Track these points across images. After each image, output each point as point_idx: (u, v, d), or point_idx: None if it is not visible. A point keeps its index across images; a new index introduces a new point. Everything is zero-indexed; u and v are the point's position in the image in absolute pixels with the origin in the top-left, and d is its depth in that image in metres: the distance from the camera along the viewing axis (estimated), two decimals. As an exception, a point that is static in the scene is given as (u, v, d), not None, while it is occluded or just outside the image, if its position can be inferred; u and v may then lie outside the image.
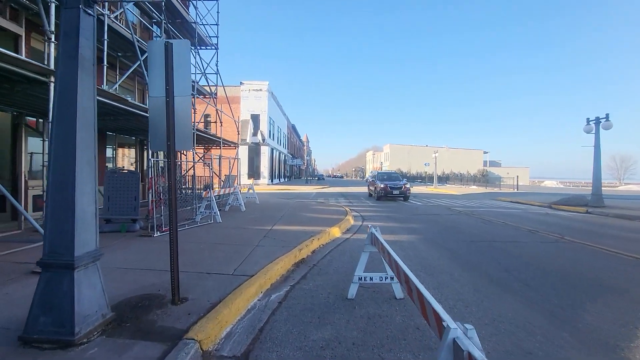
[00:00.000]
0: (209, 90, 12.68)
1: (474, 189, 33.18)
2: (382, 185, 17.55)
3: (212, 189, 8.17)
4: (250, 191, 13.39)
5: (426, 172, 76.87)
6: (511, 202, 18.84)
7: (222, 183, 11.45)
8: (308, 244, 6.06)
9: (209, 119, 37.37)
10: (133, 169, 10.99)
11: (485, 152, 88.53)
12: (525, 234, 8.13)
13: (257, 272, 4.30)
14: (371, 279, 3.69)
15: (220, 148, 11.06)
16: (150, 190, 6.18)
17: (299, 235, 6.81)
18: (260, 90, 35.44)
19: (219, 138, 11.00)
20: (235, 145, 13.34)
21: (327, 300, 3.72)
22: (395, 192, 17.31)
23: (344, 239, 7.22)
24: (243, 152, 35.31)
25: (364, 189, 29.49)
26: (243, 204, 10.76)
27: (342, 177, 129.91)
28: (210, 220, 8.06)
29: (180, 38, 11.77)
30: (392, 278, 3.68)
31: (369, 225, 3.89)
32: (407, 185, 17.76)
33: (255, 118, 35.42)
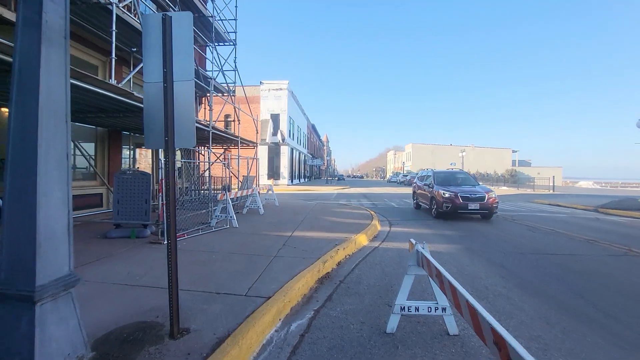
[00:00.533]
0: (227, 88, 12.23)
1: (504, 190, 31.27)
2: (446, 195, 10.50)
3: (229, 191, 7.62)
4: (270, 192, 12.84)
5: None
6: (550, 204, 17.28)
7: (240, 184, 10.94)
8: (333, 254, 5.34)
9: (229, 119, 37.53)
10: (147, 171, 10.70)
11: (514, 151, 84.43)
12: (582, 244, 7.02)
13: (275, 292, 3.62)
14: (417, 309, 2.91)
15: (238, 147, 10.56)
16: (161, 193, 5.67)
17: (321, 243, 6.10)
18: (280, 89, 35.11)
19: (237, 137, 10.50)
20: (254, 144, 12.83)
21: (360, 334, 2.97)
22: (473, 206, 10.30)
23: (372, 248, 6.44)
24: (262, 152, 35.13)
25: (387, 190, 28.35)
26: (262, 207, 10.20)
27: (362, 177, 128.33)
28: (226, 225, 7.51)
29: (198, 33, 11.40)
30: (444, 309, 2.89)
31: (413, 242, 3.11)
32: (493, 195, 10.56)
33: (275, 118, 35.14)
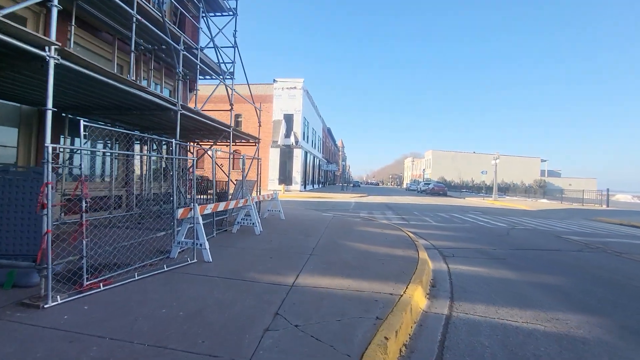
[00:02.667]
0: (225, 69, 9.58)
1: (545, 203, 27.43)
2: None
3: (197, 205, 4.85)
4: (274, 201, 10.06)
5: (473, 182, 69.72)
6: (623, 224, 13.77)
7: (233, 192, 8.21)
8: (374, 353, 2.44)
9: (239, 119, 35.28)
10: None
11: (543, 160, 79.10)
12: None
13: None
14: None
15: (229, 141, 7.84)
16: (45, 209, 2.95)
17: (347, 308, 3.24)
18: (294, 88, 32.63)
19: (229, 127, 7.78)
20: (255, 140, 10.11)
21: None
22: None
23: (439, 319, 3.50)
24: (274, 155, 32.62)
25: (411, 199, 24.87)
26: (259, 224, 7.41)
27: (377, 184, 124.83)
28: (193, 259, 4.73)
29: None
30: None
31: None
32: None
33: (288, 118, 32.64)
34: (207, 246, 4.80)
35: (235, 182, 8.50)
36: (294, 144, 32.07)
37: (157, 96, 5.06)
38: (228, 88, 8.28)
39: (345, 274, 4.51)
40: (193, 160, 4.72)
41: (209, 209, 5.42)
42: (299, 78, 32.96)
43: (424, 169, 73.22)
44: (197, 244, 4.77)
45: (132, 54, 5.24)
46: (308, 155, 37.37)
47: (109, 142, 7.66)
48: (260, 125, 10.45)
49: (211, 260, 4.78)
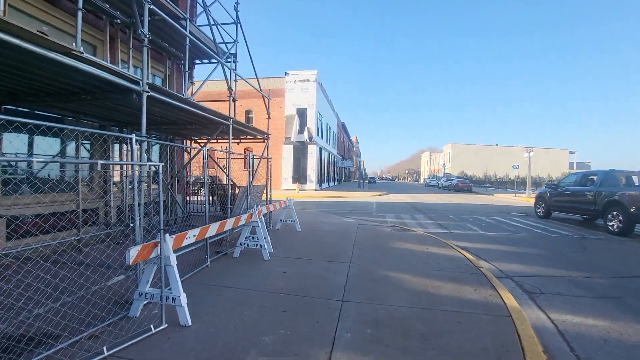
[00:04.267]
0: (224, 50, 7.83)
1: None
2: None
3: (169, 236, 3.10)
4: (289, 208, 8.29)
5: (496, 176, 66.10)
6: None
7: (237, 202, 6.46)
8: None
9: (250, 115, 33.73)
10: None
11: (571, 152, 74.38)
12: None
13: None
14: None
15: (229, 137, 6.09)
16: None
17: None
18: (308, 80, 30.76)
19: (229, 118, 6.01)
20: (264, 136, 8.34)
21: None
22: None
23: None
24: (287, 152, 30.94)
25: (437, 197, 22.24)
26: (268, 244, 5.67)
27: (392, 179, 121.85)
28: (161, 323, 3.00)
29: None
30: None
31: None
32: None
33: (301, 113, 30.86)
34: (184, 301, 3.05)
35: (240, 188, 6.77)
36: (308, 140, 30.29)
37: (109, 70, 3.32)
38: (226, 69, 6.51)
39: (410, 354, 2.67)
40: (158, 166, 3.00)
41: (192, 237, 3.67)
42: (312, 70, 31.05)
43: (444, 164, 70.12)
44: (167, 297, 3.03)
45: (79, 13, 3.53)
46: (323, 151, 35.54)
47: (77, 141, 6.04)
48: (269, 118, 8.66)
49: (190, 323, 3.04)
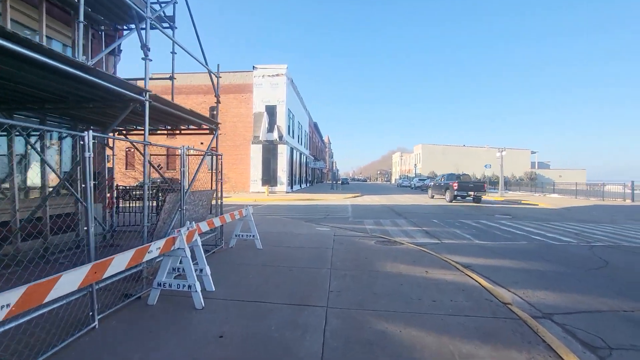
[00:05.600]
0: (158, 10, 5.81)
1: (559, 198, 24.78)
2: None
3: None
4: (248, 219, 6.42)
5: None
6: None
7: (164, 217, 4.51)
8: None
9: (214, 111, 31.06)
10: None
11: (532, 152, 77.99)
12: None
13: None
14: None
15: (145, 121, 4.10)
16: None
17: None
18: (277, 75, 28.81)
19: (140, 92, 3.99)
20: (211, 126, 6.38)
21: None
22: None
23: None
24: (256, 152, 28.73)
25: (412, 199, 20.77)
26: (206, 279, 3.82)
27: (365, 180, 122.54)
28: None
29: None
30: None
31: None
32: None
33: (271, 110, 28.82)
34: None
35: (169, 196, 4.81)
36: (278, 139, 28.31)
37: None
38: (154, 31, 4.53)
39: None
40: None
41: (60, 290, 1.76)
42: (282, 65, 29.13)
43: (415, 164, 70.73)
44: None
45: None
46: (294, 151, 33.68)
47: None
48: (218, 102, 6.70)
49: None
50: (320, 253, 6.17)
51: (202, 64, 6.26)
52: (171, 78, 6.37)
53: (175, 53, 6.17)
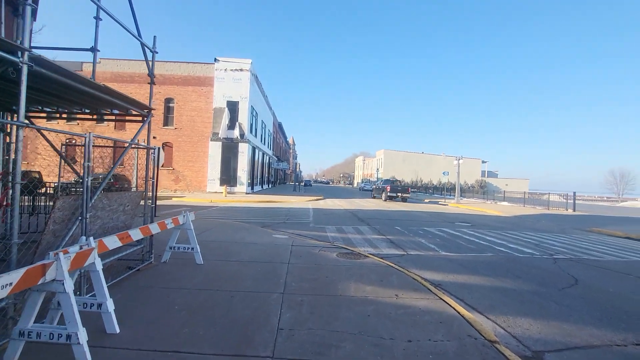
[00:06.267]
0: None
1: (508, 207, 26.09)
2: None
3: None
4: (180, 226, 5.27)
5: (422, 181, 70.43)
6: (629, 238, 11.62)
7: (49, 227, 3.26)
8: None
9: (171, 104, 28.60)
10: None
11: (483, 162, 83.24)
12: None
13: None
14: None
15: (21, 94, 2.91)
16: None
17: None
18: (241, 70, 27.27)
19: (13, 52, 2.76)
20: (141, 111, 5.12)
21: None
22: None
23: None
24: (215, 150, 26.87)
25: (377, 205, 20.76)
26: (106, 317, 2.70)
27: (328, 183, 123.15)
28: None
29: None
30: None
31: None
32: None
33: (232, 106, 27.19)
34: None
35: (59, 201, 3.56)
36: (239, 137, 26.74)
37: None
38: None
39: None
40: None
41: None
42: (246, 59, 27.65)
43: (377, 168, 72.02)
44: None
45: None
46: (256, 151, 32.20)
47: None
48: (153, 83, 5.45)
49: None
50: (273, 269, 5.20)
51: (134, 36, 5.02)
52: (93, 50, 5.04)
53: (101, 19, 4.88)
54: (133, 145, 4.87)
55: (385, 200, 26.99)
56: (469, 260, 7.06)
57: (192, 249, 5.21)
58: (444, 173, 30.47)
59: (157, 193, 5.41)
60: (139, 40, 5.01)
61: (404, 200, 27.74)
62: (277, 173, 57.91)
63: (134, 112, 5.10)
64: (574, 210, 22.68)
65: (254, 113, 30.61)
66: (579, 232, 12.79)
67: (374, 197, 30.92)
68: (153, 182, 4.97)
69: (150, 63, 5.23)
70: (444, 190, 38.29)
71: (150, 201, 4.98)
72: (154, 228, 4.44)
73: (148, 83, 5.43)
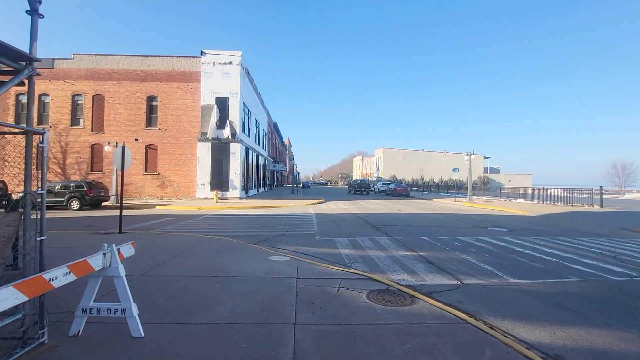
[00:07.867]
0: None
1: (527, 204, 23.99)
2: None
3: None
4: (112, 271, 3.01)
5: (423, 179, 68.42)
6: None
7: None
8: None
9: (154, 103, 26.09)
10: None
11: (485, 158, 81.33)
12: None
13: None
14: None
15: None
16: None
17: None
18: (230, 63, 24.93)
19: None
20: (13, 63, 2.85)
21: None
22: None
23: None
24: (204, 151, 24.42)
25: (379, 205, 18.29)
26: None
27: (326, 184, 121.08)
28: None
29: None
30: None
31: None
32: None
33: (222, 103, 24.82)
34: None
35: None
36: (230, 136, 24.37)
37: None
38: None
39: None
40: None
41: None
42: (236, 51, 25.31)
43: (377, 167, 69.82)
44: None
45: None
46: (250, 152, 29.84)
47: None
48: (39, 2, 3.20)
49: None
50: (268, 344, 2.93)
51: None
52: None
53: None
54: None
55: (349, 193, 39.87)
56: (558, 292, 4.82)
57: (124, 311, 2.91)
58: (453, 170, 28.30)
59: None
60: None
61: (367, 193, 39.17)
62: (274, 175, 55.55)
63: (3, 68, 2.80)
64: (601, 206, 20.59)
65: (246, 110, 28.27)
66: (633, 234, 10.67)
67: (349, 193, 40.88)
68: (43, 193, 2.67)
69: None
70: (455, 187, 36.17)
71: (38, 232, 2.68)
72: (36, 288, 2.13)
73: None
